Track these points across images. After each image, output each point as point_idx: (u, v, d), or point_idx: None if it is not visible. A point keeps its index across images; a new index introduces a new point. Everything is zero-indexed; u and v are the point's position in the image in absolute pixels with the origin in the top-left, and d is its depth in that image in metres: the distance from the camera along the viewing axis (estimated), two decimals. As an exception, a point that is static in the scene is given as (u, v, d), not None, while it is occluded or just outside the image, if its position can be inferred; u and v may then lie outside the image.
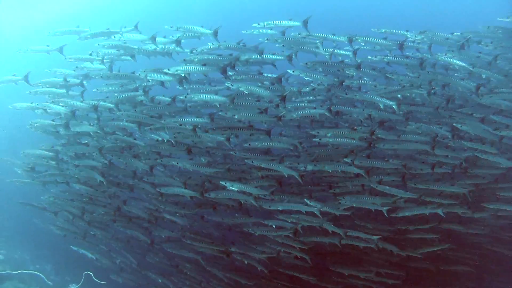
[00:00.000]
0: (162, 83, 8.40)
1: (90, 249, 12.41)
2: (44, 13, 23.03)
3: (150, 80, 8.25)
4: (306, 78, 8.53)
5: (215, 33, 8.46)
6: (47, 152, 9.78)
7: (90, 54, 8.91)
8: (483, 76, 8.44)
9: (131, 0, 23.98)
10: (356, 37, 8.61)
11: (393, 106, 7.96)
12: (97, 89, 9.13)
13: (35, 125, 9.34)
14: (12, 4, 22.83)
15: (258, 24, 8.72)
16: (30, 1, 23.42)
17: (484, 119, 8.18)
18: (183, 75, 8.15)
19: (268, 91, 7.90)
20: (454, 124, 8.15)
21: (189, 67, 7.94)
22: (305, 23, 8.49)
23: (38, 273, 14.03)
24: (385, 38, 8.79)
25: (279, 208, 8.47)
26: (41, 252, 16.71)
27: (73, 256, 13.54)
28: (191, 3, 23.15)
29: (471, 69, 8.38)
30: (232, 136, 8.16)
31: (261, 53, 8.37)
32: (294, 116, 8.21)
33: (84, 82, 9.18)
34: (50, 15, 22.55)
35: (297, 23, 8.58)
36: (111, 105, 8.56)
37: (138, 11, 22.00)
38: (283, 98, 7.88)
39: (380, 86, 8.41)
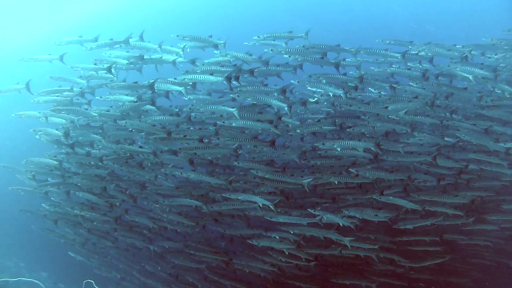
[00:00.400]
0: (166, 94, 8.41)
1: (88, 256, 12.33)
2: (47, 24, 23.18)
3: (156, 90, 8.26)
4: (311, 89, 8.56)
5: (224, 44, 8.53)
6: (50, 160, 9.74)
7: (95, 64, 8.94)
8: (489, 87, 8.50)
9: (132, 11, 24.14)
10: (359, 49, 8.65)
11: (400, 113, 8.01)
12: (100, 97, 9.11)
13: (39, 133, 9.32)
14: (14, 15, 22.98)
15: (258, 37, 8.76)
16: (32, 13, 23.57)
17: (488, 130, 8.23)
18: (190, 83, 8.16)
19: (277, 101, 7.91)
20: (457, 134, 8.21)
21: (196, 76, 7.96)
22: (305, 35, 8.54)
23: (37, 281, 13.91)
24: (386, 50, 8.82)
25: (280, 220, 8.44)
26: (37, 259, 16.58)
27: (69, 264, 13.44)
28: (192, 13, 23.27)
29: (472, 80, 8.44)
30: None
31: (266, 64, 8.39)
32: (299, 131, 8.23)
33: (84, 91, 9.17)
34: (53, 26, 22.70)
35: (297, 35, 8.62)
36: (117, 114, 8.55)
37: (140, 21, 22.12)
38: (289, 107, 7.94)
39: (385, 96, 8.46)
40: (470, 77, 8.37)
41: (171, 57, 8.89)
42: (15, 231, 16.48)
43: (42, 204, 10.92)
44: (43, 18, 23.82)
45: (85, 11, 24.39)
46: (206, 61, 8.58)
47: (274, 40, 8.77)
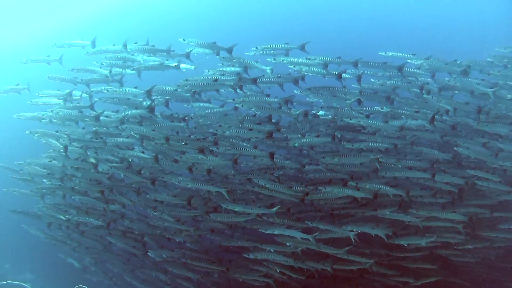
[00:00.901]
0: (166, 103, 8.36)
1: (79, 259, 12.19)
2: (47, 24, 23.12)
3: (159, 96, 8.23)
4: (312, 100, 8.57)
5: (230, 51, 8.48)
6: (47, 162, 9.63)
7: (100, 67, 8.88)
8: (490, 101, 8.56)
9: (132, 11, 24.10)
10: (358, 62, 8.64)
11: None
12: (99, 99, 9.03)
13: (36, 135, 9.22)
14: (14, 15, 22.90)
15: (256, 48, 8.75)
16: (32, 13, 23.50)
17: (487, 145, 8.24)
18: (193, 90, 8.13)
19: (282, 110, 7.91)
20: (455, 148, 8.21)
21: (198, 82, 7.92)
22: (302, 47, 8.55)
23: (25, 285, 13.71)
24: (385, 63, 8.77)
25: (275, 232, 8.38)
26: (23, 261, 16.39)
27: (59, 267, 13.28)
28: (193, 15, 23.26)
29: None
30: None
31: (271, 71, 8.40)
32: (296, 144, 8.26)
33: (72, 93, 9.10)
34: (53, 26, 22.64)
35: (294, 47, 8.62)
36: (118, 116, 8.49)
37: (140, 21, 22.08)
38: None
39: (386, 109, 8.47)
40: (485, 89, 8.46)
41: (173, 63, 8.84)
42: (5, 233, 16.28)
43: (33, 207, 10.81)
44: (43, 18, 23.76)
45: (86, 12, 24.34)
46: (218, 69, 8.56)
47: (273, 51, 8.77)
